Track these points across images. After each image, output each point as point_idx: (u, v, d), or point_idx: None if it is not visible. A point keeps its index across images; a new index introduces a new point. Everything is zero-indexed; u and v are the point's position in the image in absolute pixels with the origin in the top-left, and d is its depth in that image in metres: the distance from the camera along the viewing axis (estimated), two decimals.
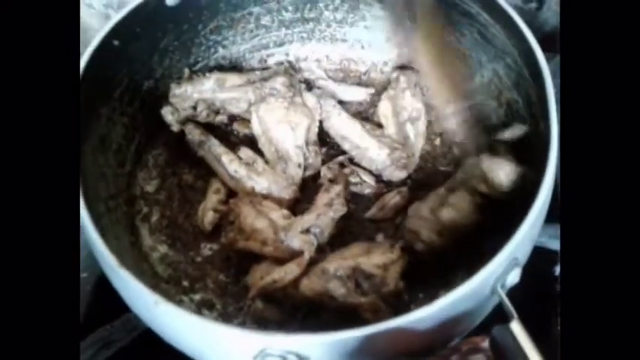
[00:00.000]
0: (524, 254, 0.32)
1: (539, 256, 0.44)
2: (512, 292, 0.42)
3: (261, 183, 0.44)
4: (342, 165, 0.46)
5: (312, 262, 0.37)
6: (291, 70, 0.50)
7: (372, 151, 0.46)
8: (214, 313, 0.41)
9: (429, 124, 0.50)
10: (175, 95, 0.47)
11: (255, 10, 0.51)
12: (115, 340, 0.40)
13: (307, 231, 0.39)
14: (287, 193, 0.44)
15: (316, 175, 0.46)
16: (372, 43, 0.53)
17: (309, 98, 0.48)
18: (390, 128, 0.48)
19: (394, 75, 0.51)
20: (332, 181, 0.43)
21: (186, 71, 0.49)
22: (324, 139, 0.48)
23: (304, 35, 0.53)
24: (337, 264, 0.36)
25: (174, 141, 0.49)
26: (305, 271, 0.36)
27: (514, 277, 0.28)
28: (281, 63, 0.53)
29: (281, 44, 0.54)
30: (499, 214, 0.36)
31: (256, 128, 0.46)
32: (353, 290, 0.34)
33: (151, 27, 0.45)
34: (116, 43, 0.41)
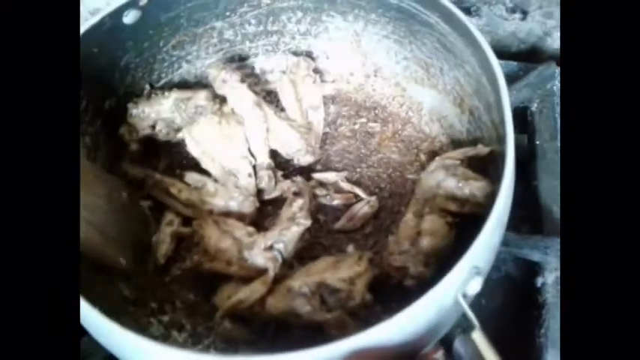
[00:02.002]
0: (485, 263, 0.32)
1: (521, 267, 0.45)
2: (495, 303, 0.43)
3: (216, 204, 0.43)
4: (307, 178, 0.46)
5: (280, 279, 0.37)
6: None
7: (283, 134, 0.46)
8: (184, 334, 0.40)
9: (393, 134, 0.51)
10: (133, 115, 0.46)
11: (218, 24, 0.50)
12: (94, 354, 0.38)
13: (271, 247, 0.38)
14: (246, 207, 0.43)
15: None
16: (336, 54, 0.53)
17: (233, 100, 0.46)
18: (294, 113, 0.49)
19: (294, 60, 0.51)
20: (296, 194, 0.43)
21: (147, 88, 0.48)
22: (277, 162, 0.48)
23: (269, 48, 0.53)
24: (302, 281, 0.35)
25: (139, 159, 0.48)
26: (271, 289, 0.36)
27: (475, 286, 0.29)
28: (247, 76, 0.53)
29: (246, 57, 0.53)
30: (471, 228, 0.37)
31: (195, 151, 0.45)
32: (318, 307, 0.34)
33: (110, 46, 0.44)
34: None
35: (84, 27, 0.41)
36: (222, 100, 0.47)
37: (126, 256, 0.40)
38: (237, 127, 0.45)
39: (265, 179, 0.45)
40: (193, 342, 0.39)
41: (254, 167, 0.46)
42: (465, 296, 0.28)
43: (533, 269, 0.43)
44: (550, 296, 0.41)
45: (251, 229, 0.41)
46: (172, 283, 0.42)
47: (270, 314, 0.35)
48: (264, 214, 0.45)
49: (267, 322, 0.36)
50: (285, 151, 0.47)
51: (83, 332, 0.38)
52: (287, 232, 0.39)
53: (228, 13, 0.50)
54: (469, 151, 0.42)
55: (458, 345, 0.27)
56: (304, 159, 0.47)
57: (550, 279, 0.42)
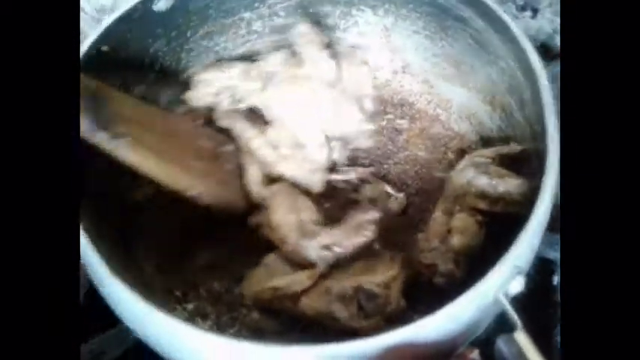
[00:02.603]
0: (526, 262, 0.31)
1: (534, 265, 0.44)
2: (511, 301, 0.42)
3: (284, 170, 0.42)
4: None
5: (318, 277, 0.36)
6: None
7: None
8: (208, 322, 0.40)
9: (421, 131, 0.50)
10: (201, 81, 0.46)
11: (247, 15, 0.50)
12: (106, 353, 0.39)
13: (328, 247, 0.37)
14: (314, 181, 0.42)
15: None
16: (365, 49, 0.53)
17: (312, 58, 0.45)
18: None
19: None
20: (372, 201, 0.41)
21: (211, 58, 0.48)
22: None
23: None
24: (340, 283, 0.35)
25: None
26: (308, 287, 0.35)
27: (517, 286, 0.28)
28: None
29: (274, 50, 0.53)
30: (503, 226, 0.36)
31: (269, 116, 0.44)
32: (355, 314, 0.33)
33: (141, 32, 0.44)
34: (106, 48, 0.40)
35: (117, 13, 0.41)
36: (297, 64, 0.45)
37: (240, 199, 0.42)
38: (311, 91, 0.44)
39: (337, 149, 0.44)
40: (218, 330, 0.39)
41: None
42: (506, 295, 0.28)
43: (549, 267, 0.42)
44: None
45: (318, 216, 0.40)
46: (198, 271, 0.42)
47: (304, 313, 0.34)
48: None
49: (297, 317, 0.36)
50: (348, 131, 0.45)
51: (90, 334, 0.38)
52: (350, 240, 0.38)
53: (257, 5, 0.50)
54: (501, 149, 0.42)
55: (501, 344, 0.26)
56: (366, 143, 0.45)
57: None
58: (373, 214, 0.39)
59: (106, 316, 0.34)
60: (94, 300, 0.36)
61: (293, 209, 0.39)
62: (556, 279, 0.41)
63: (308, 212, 0.39)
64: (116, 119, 0.36)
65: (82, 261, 0.33)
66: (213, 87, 0.46)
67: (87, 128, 0.34)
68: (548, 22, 0.58)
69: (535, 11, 0.58)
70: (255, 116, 0.46)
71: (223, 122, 0.46)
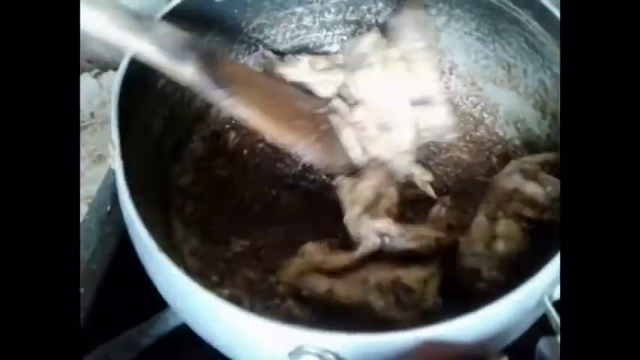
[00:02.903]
0: None
1: None
2: None
3: (372, 149, 0.42)
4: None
5: (354, 267, 0.36)
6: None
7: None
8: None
9: (467, 132, 0.49)
10: None
11: (299, 10, 0.51)
12: None
13: (383, 235, 0.37)
14: (402, 163, 0.42)
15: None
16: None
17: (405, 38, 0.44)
18: None
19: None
20: (452, 227, 0.39)
21: (260, 51, 0.49)
22: None
23: (344, 38, 0.53)
24: (378, 275, 0.35)
25: (211, 136, 0.49)
26: (344, 276, 0.35)
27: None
28: None
29: (320, 46, 0.53)
30: (546, 232, 0.35)
31: (357, 98, 0.44)
32: (392, 304, 0.33)
33: (197, 20, 0.45)
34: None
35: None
36: (389, 47, 0.45)
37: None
38: (402, 73, 0.43)
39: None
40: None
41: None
42: (550, 299, 0.27)
43: None
44: None
45: (394, 209, 0.39)
46: (234, 259, 0.43)
47: (338, 302, 0.35)
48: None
49: (332, 306, 0.36)
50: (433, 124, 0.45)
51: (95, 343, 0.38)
52: (407, 241, 0.37)
53: None
54: (550, 156, 0.41)
55: (542, 346, 0.26)
56: (450, 137, 0.45)
57: None
58: (445, 236, 0.38)
59: (113, 322, 0.36)
60: (101, 306, 0.38)
61: (379, 187, 0.39)
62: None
63: (389, 200, 0.39)
64: (228, 78, 0.37)
65: (131, 237, 0.35)
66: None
67: (206, 86, 0.35)
68: None
69: None
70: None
71: (313, 103, 0.45)
